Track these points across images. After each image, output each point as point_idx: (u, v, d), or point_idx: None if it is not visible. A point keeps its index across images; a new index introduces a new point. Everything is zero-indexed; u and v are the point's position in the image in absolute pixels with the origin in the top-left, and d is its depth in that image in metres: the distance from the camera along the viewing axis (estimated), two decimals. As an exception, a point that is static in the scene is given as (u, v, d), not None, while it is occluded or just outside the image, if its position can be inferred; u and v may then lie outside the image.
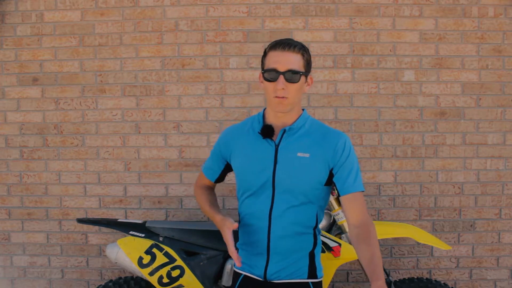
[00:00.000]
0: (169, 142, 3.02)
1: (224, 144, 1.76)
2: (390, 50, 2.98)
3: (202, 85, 3.00)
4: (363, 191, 1.62)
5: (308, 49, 1.63)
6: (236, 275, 1.75)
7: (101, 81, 3.02)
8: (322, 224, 2.50)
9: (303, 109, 1.72)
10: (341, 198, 1.63)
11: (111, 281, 2.52)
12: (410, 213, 3.01)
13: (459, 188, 3.01)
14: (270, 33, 2.96)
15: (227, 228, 1.62)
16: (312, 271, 1.68)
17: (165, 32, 2.99)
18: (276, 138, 1.64)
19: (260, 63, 1.67)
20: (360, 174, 1.64)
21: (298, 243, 1.65)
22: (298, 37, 2.96)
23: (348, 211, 1.60)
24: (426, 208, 3.02)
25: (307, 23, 2.97)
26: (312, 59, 2.96)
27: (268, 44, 1.66)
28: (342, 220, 2.40)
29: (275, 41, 1.61)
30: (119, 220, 2.54)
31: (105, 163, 3.04)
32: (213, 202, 1.83)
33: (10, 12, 3.02)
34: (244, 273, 1.71)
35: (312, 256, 1.68)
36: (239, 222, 1.76)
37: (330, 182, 1.65)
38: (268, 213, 1.63)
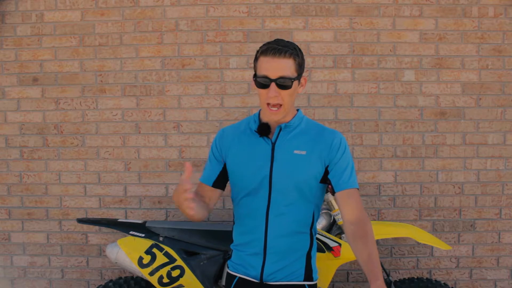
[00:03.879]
0: (169, 142, 3.02)
1: (221, 144, 1.73)
2: (390, 50, 2.98)
3: (202, 85, 3.00)
4: (358, 189, 1.62)
5: (300, 50, 1.60)
6: (230, 277, 1.71)
7: (101, 81, 3.02)
8: (322, 224, 2.50)
9: (297, 109, 1.72)
10: (336, 195, 1.61)
11: (111, 281, 2.52)
12: (410, 213, 3.01)
13: (459, 188, 3.01)
14: (270, 33, 2.96)
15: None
16: (308, 273, 1.66)
17: (165, 32, 2.99)
18: (273, 136, 1.64)
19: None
20: (355, 173, 1.64)
21: (295, 243, 1.63)
22: (298, 37, 2.97)
23: (344, 208, 1.59)
24: (426, 208, 3.02)
25: (307, 23, 2.97)
26: (312, 59, 2.98)
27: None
28: (342, 220, 2.40)
29: (266, 45, 1.58)
30: (119, 220, 2.54)
31: (105, 163, 3.04)
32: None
33: (10, 12, 3.02)
34: (238, 275, 1.67)
35: (309, 257, 1.67)
36: (234, 223, 1.74)
37: (325, 180, 1.65)
38: (265, 211, 1.61)
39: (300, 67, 1.60)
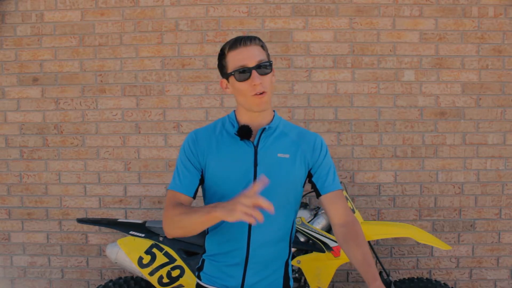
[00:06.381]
0: (169, 142, 3.02)
1: (196, 149, 1.56)
2: (390, 50, 2.98)
3: (202, 85, 3.00)
4: (342, 190, 1.59)
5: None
6: None
7: (101, 81, 3.02)
8: (322, 224, 2.50)
9: (273, 110, 1.66)
10: (321, 198, 1.57)
11: (111, 281, 2.52)
12: (410, 213, 3.01)
13: (459, 188, 3.01)
14: (270, 33, 2.96)
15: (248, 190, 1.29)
16: (286, 282, 1.61)
17: (165, 32, 2.99)
18: (254, 139, 1.54)
19: (219, 68, 1.55)
20: (337, 174, 1.61)
21: (277, 251, 1.57)
22: (298, 37, 2.97)
23: (332, 211, 1.55)
24: (426, 208, 3.02)
25: (307, 23, 2.97)
26: (312, 59, 2.98)
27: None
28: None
29: (231, 40, 1.50)
30: (119, 220, 2.54)
31: (105, 163, 3.04)
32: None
33: (10, 12, 3.02)
34: None
35: (287, 265, 1.61)
36: (207, 233, 1.61)
37: (305, 183, 1.61)
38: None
39: (269, 56, 1.56)
